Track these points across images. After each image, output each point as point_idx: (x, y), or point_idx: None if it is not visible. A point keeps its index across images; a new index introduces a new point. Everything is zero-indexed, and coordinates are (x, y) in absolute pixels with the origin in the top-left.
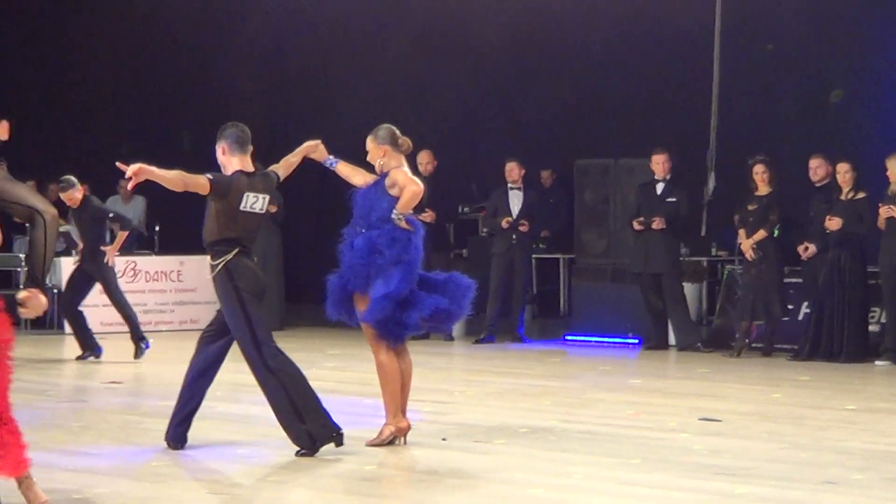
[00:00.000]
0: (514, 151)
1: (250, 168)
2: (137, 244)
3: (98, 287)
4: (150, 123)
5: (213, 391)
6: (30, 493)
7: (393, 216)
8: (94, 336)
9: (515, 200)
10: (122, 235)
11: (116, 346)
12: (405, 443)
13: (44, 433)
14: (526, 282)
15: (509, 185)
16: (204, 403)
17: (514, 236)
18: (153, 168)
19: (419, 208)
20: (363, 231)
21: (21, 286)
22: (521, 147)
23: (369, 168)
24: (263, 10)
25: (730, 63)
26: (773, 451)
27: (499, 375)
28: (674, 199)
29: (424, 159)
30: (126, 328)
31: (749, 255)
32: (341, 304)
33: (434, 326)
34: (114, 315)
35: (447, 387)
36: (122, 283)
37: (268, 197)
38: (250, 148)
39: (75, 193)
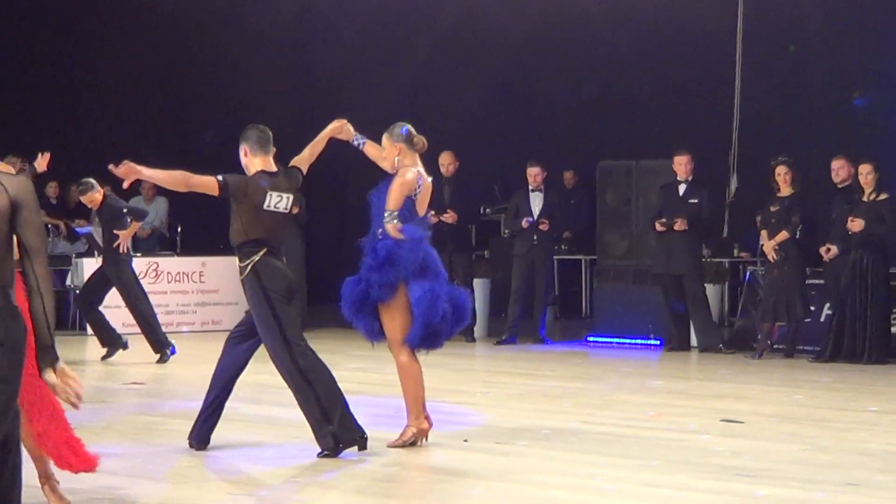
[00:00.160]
0: (536, 153)
1: (273, 168)
2: (159, 245)
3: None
4: (173, 125)
5: (235, 392)
6: (53, 494)
7: (385, 218)
8: (116, 331)
9: (536, 202)
10: (135, 225)
11: (138, 347)
12: (425, 443)
13: None
14: (547, 283)
15: (530, 186)
16: (226, 404)
17: (535, 237)
18: (142, 168)
19: (440, 208)
20: (381, 234)
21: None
22: (544, 148)
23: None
24: (286, 12)
25: (752, 64)
26: (794, 452)
27: (520, 377)
28: (696, 201)
29: (446, 160)
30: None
31: (771, 256)
32: (362, 313)
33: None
34: None
35: (469, 388)
36: (145, 284)
37: (291, 196)
38: (273, 149)
39: (95, 195)
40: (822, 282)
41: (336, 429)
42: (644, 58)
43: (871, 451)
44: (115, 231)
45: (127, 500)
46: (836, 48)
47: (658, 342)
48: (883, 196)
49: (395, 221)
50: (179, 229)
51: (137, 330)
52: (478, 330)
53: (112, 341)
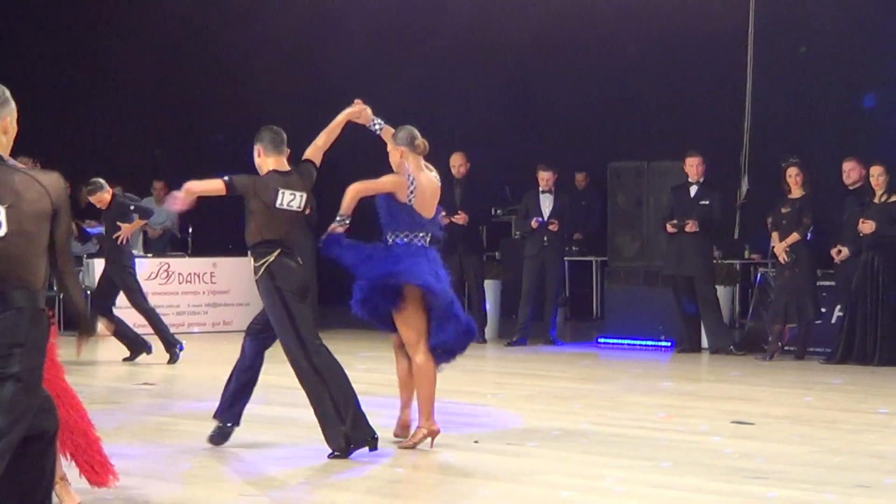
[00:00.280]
0: (546, 154)
1: (285, 168)
2: (171, 246)
3: None
4: (184, 125)
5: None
6: (66, 494)
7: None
8: (139, 335)
9: (546, 203)
10: (139, 222)
11: None
12: (432, 446)
13: None
14: (558, 284)
15: (541, 188)
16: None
17: (545, 238)
18: (192, 185)
19: (451, 210)
20: (397, 238)
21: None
22: (554, 150)
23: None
24: (297, 12)
25: (763, 65)
26: (805, 454)
27: (531, 378)
28: (707, 202)
29: (457, 161)
30: (153, 331)
31: (782, 258)
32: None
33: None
34: None
35: (479, 389)
36: (156, 285)
37: (305, 195)
38: (286, 150)
39: (104, 195)
40: (833, 283)
41: (348, 429)
42: (655, 59)
43: (881, 452)
44: (123, 247)
45: (139, 500)
46: (847, 50)
47: (669, 344)
48: (894, 198)
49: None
50: (191, 230)
51: (148, 331)
52: (488, 331)
53: (137, 347)
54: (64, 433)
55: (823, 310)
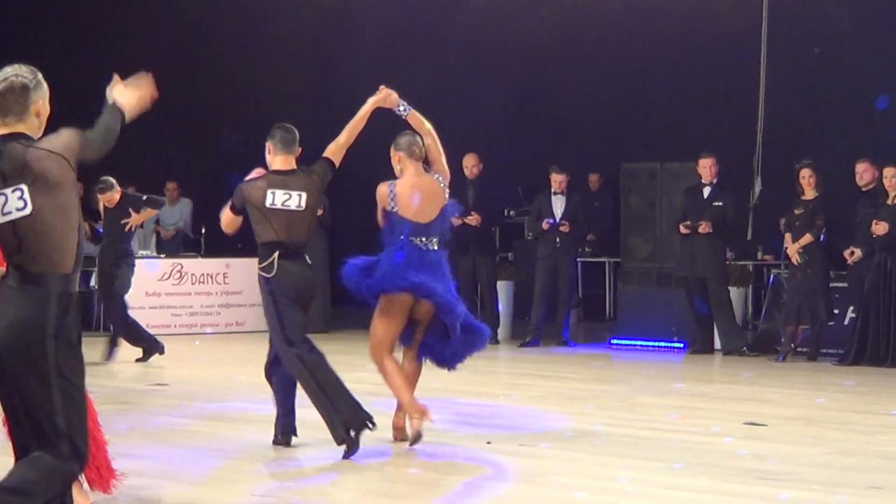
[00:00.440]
0: (560, 155)
1: (289, 167)
2: (184, 247)
3: (143, 290)
4: (197, 125)
5: (257, 393)
6: (78, 495)
7: None
8: (151, 335)
9: (559, 204)
10: (150, 212)
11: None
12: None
13: None
14: (571, 285)
15: (553, 189)
16: (248, 406)
17: (557, 239)
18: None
19: (464, 211)
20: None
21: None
22: (568, 151)
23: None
24: (311, 13)
25: (776, 67)
26: (818, 455)
27: (544, 379)
28: (720, 203)
29: (470, 162)
30: (168, 331)
31: (795, 259)
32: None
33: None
34: (158, 317)
35: (492, 390)
36: (169, 286)
37: (304, 194)
38: (296, 149)
39: (114, 195)
40: (845, 285)
41: (345, 416)
42: (668, 60)
43: (894, 454)
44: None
45: (151, 500)
46: (860, 51)
47: (682, 345)
48: None
49: None
50: (203, 231)
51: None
52: (501, 332)
53: (148, 345)
54: None
55: (836, 311)
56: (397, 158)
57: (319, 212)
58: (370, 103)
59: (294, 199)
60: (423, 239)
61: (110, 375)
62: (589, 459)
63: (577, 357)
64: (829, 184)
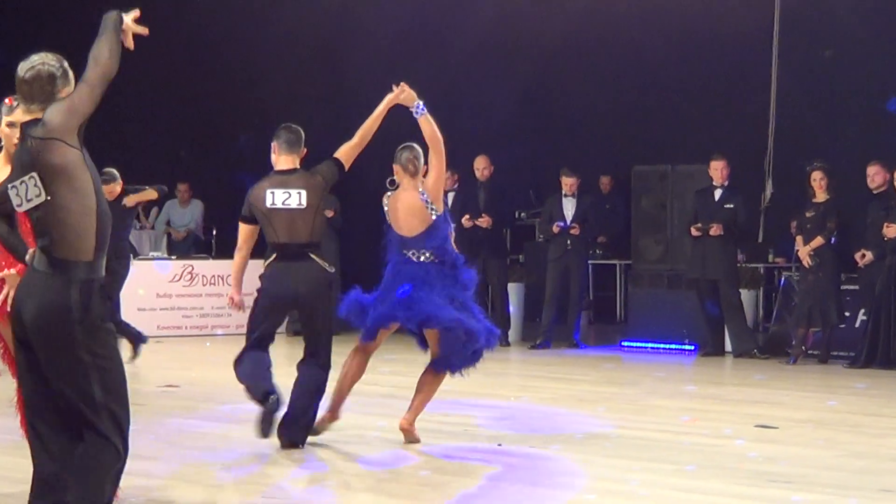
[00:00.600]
0: (571, 157)
1: (290, 167)
2: (195, 248)
3: (154, 292)
4: (208, 127)
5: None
6: None
7: None
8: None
9: (569, 206)
10: (151, 192)
11: (173, 349)
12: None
13: None
14: (582, 287)
15: (564, 192)
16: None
17: (568, 242)
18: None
19: (475, 213)
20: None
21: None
22: (578, 153)
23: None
24: (321, 14)
25: (788, 69)
26: (829, 458)
27: (554, 381)
28: (731, 206)
29: (481, 164)
30: (179, 333)
31: (806, 262)
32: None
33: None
34: (169, 319)
35: (503, 392)
36: (180, 287)
37: (303, 192)
38: (301, 150)
39: (115, 187)
40: (856, 287)
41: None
42: (680, 62)
43: None
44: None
45: (161, 502)
46: (872, 53)
47: (692, 347)
48: None
49: None
50: (214, 232)
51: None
52: (512, 334)
53: (134, 340)
54: None
55: (847, 314)
56: (396, 170)
57: (330, 213)
58: (386, 101)
59: (294, 198)
60: (415, 251)
61: None
62: (600, 461)
63: (588, 359)
64: (841, 186)
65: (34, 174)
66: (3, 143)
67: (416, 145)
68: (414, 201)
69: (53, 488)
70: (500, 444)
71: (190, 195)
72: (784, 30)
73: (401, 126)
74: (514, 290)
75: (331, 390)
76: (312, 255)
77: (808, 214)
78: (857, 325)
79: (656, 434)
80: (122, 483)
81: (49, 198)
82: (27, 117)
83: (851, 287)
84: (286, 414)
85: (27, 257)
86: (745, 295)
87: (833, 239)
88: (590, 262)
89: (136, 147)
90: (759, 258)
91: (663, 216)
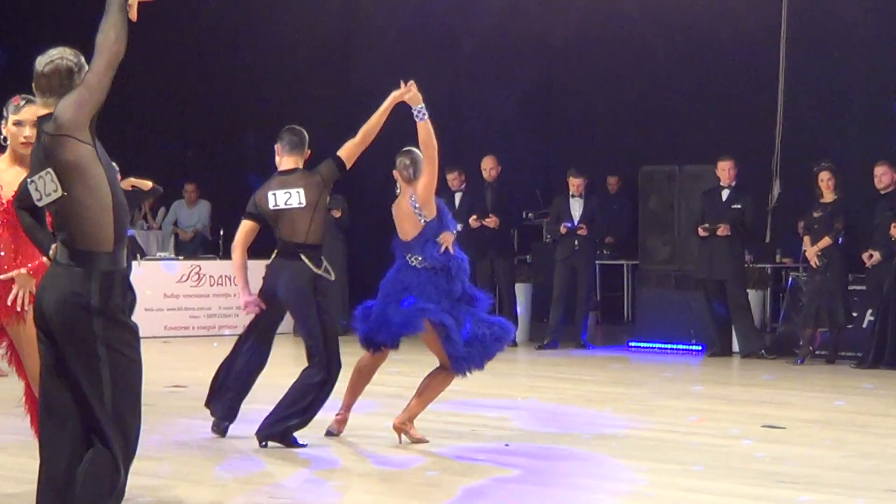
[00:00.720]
0: (578, 157)
1: (292, 167)
2: (202, 248)
3: (161, 292)
4: (215, 127)
5: (275, 395)
6: None
7: None
8: None
9: (577, 207)
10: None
11: (180, 350)
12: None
13: None
14: (589, 288)
15: (571, 192)
16: (266, 408)
17: (576, 242)
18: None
19: (482, 213)
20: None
21: None
22: (586, 153)
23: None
24: (328, 15)
25: (795, 69)
26: (836, 458)
27: (562, 381)
28: (739, 206)
29: (488, 164)
30: (187, 333)
31: (814, 262)
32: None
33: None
34: (176, 319)
35: (510, 392)
36: (187, 287)
37: (301, 190)
38: (304, 151)
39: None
40: (864, 288)
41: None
42: (687, 62)
43: None
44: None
45: (167, 501)
46: (880, 53)
47: (700, 347)
48: None
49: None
50: (222, 232)
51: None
52: (520, 334)
53: None
54: None
55: (855, 314)
56: (395, 175)
57: (338, 213)
58: (392, 97)
59: (294, 197)
60: (411, 256)
61: None
62: (607, 462)
63: (596, 359)
64: (848, 187)
65: (50, 170)
66: (9, 143)
67: (415, 150)
68: (406, 207)
69: (61, 489)
70: (507, 445)
71: (197, 195)
72: (791, 30)
73: (407, 125)
74: (522, 291)
75: (340, 389)
76: (302, 256)
77: (815, 215)
78: (864, 325)
79: (664, 434)
80: (128, 483)
81: (65, 193)
82: (43, 111)
83: (859, 287)
84: (269, 413)
85: (50, 253)
86: (753, 295)
87: (840, 239)
88: (597, 262)
89: (143, 147)
90: (766, 258)
91: (670, 216)
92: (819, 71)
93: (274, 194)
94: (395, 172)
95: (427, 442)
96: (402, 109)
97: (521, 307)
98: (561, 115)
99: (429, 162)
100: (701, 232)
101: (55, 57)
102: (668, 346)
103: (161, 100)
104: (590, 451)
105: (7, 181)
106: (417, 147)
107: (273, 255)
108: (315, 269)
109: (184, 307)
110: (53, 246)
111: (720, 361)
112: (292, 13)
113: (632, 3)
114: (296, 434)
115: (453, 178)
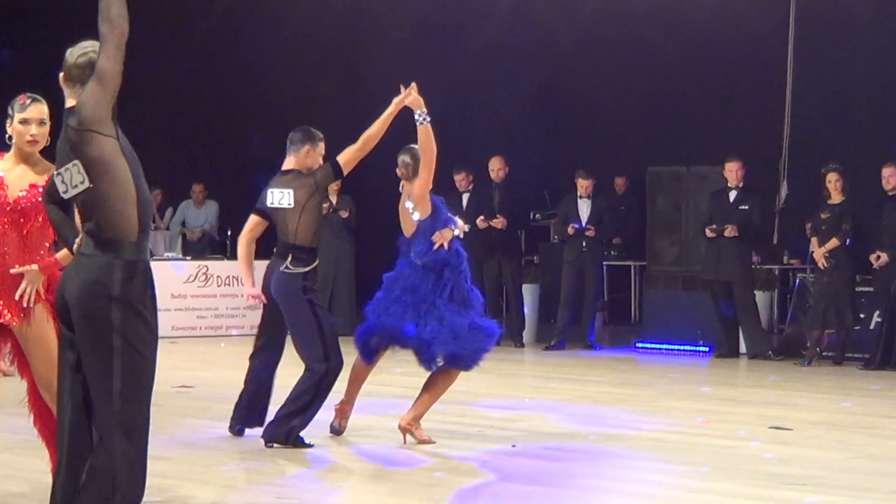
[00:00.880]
0: (586, 158)
1: (290, 167)
2: (210, 249)
3: (168, 293)
4: (223, 127)
5: (281, 396)
6: None
7: None
8: None
9: (584, 208)
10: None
11: (187, 350)
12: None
13: None
14: (597, 289)
15: (579, 193)
16: (273, 408)
17: (584, 243)
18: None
19: (490, 214)
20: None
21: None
22: (594, 154)
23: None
24: (336, 14)
25: (803, 70)
26: (843, 460)
27: (569, 382)
28: (746, 207)
29: (496, 165)
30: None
31: (821, 263)
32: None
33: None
34: (184, 319)
35: (517, 393)
36: (195, 288)
37: (291, 191)
38: (302, 150)
39: None
40: (871, 289)
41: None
42: (695, 63)
43: None
44: None
45: (175, 501)
46: (888, 54)
47: (707, 348)
48: None
49: None
50: (229, 232)
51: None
52: (527, 335)
53: None
54: None
55: (862, 315)
56: (398, 173)
57: (345, 214)
58: (394, 104)
59: (286, 198)
60: (410, 252)
61: None
62: (614, 463)
63: (603, 360)
64: (856, 188)
65: (77, 161)
66: (14, 141)
67: (415, 147)
68: (403, 205)
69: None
70: (514, 445)
71: (205, 196)
72: (799, 31)
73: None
74: (529, 292)
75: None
76: (290, 256)
77: (822, 216)
78: (871, 326)
79: (670, 435)
80: None
81: (91, 185)
82: (72, 102)
83: (866, 289)
84: (274, 414)
85: (74, 247)
86: (760, 296)
87: (848, 240)
88: (604, 263)
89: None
90: (773, 259)
91: (678, 217)
92: (826, 72)
93: (272, 192)
94: (397, 170)
95: (433, 443)
96: (409, 112)
97: (529, 308)
98: (568, 115)
99: (426, 165)
100: (708, 233)
101: (88, 49)
102: (676, 347)
103: (168, 100)
104: (597, 452)
105: (12, 180)
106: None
107: (273, 255)
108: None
109: (191, 307)
110: (78, 239)
111: (727, 363)
112: (300, 13)
113: (639, 4)
114: (302, 434)
115: (461, 179)
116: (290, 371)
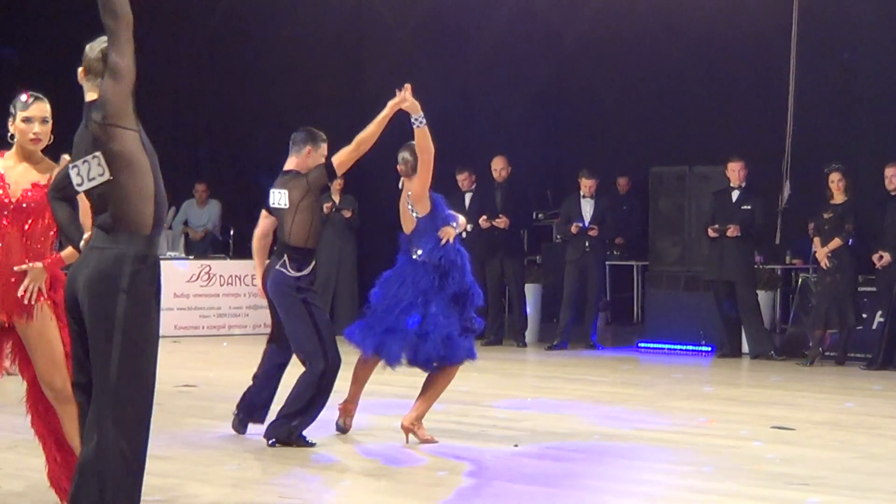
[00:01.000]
0: (588, 158)
1: (290, 167)
2: (212, 248)
3: (171, 292)
4: (226, 127)
5: (284, 395)
6: None
7: None
8: None
9: (587, 208)
10: None
11: (190, 349)
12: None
13: None
14: (599, 289)
15: (582, 193)
16: (275, 408)
17: (587, 243)
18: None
19: (493, 213)
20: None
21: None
22: (596, 154)
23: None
24: (340, 15)
25: (806, 70)
26: (845, 460)
27: (571, 382)
28: (749, 207)
29: (499, 165)
30: (197, 333)
31: (824, 263)
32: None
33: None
34: (186, 318)
35: (519, 393)
36: (197, 287)
37: (285, 191)
38: (303, 150)
39: None
40: (874, 289)
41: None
42: (698, 63)
43: None
44: None
45: (177, 501)
46: (891, 54)
47: (709, 348)
48: None
49: None
50: (232, 232)
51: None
52: (529, 335)
53: None
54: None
55: (864, 315)
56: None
57: (348, 213)
58: (389, 106)
59: (282, 198)
60: (410, 249)
61: None
62: (617, 463)
63: (605, 360)
64: (859, 188)
65: (98, 154)
66: (17, 139)
67: (415, 143)
68: (402, 202)
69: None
70: (516, 445)
71: (207, 195)
72: (802, 31)
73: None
74: (532, 291)
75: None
76: (285, 256)
77: (825, 216)
78: (874, 326)
79: (673, 435)
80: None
81: (111, 177)
82: (93, 96)
83: (869, 289)
84: (276, 414)
85: (81, 244)
86: (763, 296)
87: (851, 240)
88: (607, 263)
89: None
90: (776, 259)
91: (681, 217)
92: (830, 72)
93: (273, 192)
94: (397, 166)
95: (436, 442)
96: (406, 113)
97: (531, 308)
98: (571, 115)
99: (423, 165)
100: (711, 233)
101: (106, 43)
102: (678, 346)
103: (171, 100)
104: (599, 452)
105: (14, 179)
106: None
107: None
108: (289, 272)
109: (194, 307)
110: (87, 234)
111: (730, 362)
112: (304, 13)
113: (643, 4)
114: (305, 433)
115: (463, 179)
116: (290, 370)
